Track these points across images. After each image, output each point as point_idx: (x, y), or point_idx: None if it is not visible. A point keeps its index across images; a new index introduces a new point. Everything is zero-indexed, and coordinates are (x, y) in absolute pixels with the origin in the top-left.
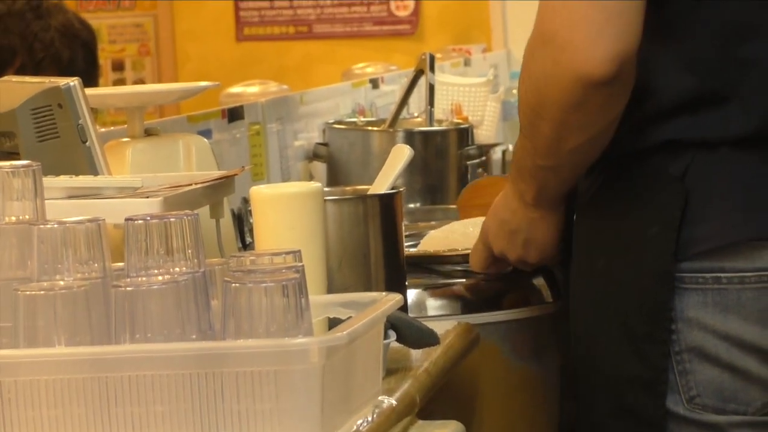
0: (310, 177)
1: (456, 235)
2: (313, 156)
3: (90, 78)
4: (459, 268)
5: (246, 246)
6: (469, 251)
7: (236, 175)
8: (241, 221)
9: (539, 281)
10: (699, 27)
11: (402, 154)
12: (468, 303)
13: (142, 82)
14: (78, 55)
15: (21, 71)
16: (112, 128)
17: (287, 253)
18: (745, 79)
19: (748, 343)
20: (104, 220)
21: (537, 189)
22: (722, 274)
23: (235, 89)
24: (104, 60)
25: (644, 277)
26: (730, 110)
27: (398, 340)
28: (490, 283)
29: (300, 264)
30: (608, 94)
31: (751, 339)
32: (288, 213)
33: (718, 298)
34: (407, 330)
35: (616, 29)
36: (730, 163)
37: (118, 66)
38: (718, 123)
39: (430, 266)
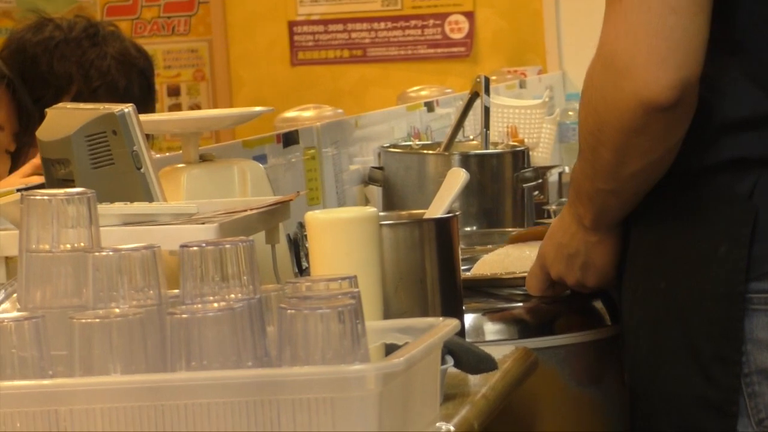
0: (366, 201)
1: (511, 258)
2: (369, 180)
3: (146, 105)
4: (517, 292)
5: (302, 271)
6: (526, 274)
7: (291, 200)
8: (297, 246)
9: (598, 304)
10: (762, 45)
11: (458, 178)
12: (526, 327)
13: (197, 107)
14: (134, 83)
15: (77, 98)
16: (167, 154)
17: (343, 278)
18: None
19: None
20: (159, 246)
21: (596, 212)
22: None
23: (290, 114)
24: (160, 85)
25: (713, 297)
26: None
27: (456, 365)
28: (548, 307)
29: (356, 290)
30: (670, 119)
31: None
32: (343, 238)
33: None
34: (465, 355)
35: (680, 57)
36: None
37: (173, 91)
38: None
39: (487, 290)
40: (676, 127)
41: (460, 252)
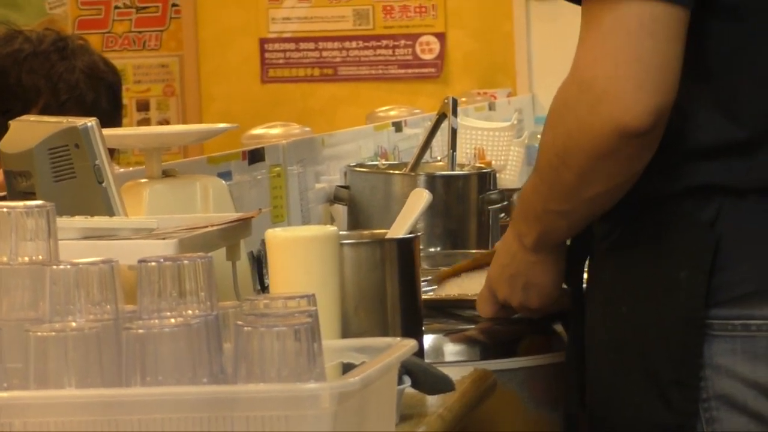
0: (331, 220)
1: (473, 281)
2: (335, 199)
3: (113, 120)
4: (478, 313)
5: (264, 288)
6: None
7: (253, 217)
8: (260, 264)
9: (558, 327)
10: (736, 73)
11: (421, 199)
12: (486, 349)
13: (166, 122)
14: (102, 97)
15: (45, 111)
16: (130, 169)
17: (301, 297)
18: None
19: None
20: (118, 261)
21: (540, 233)
22: (752, 321)
23: (258, 131)
24: (129, 100)
25: (673, 322)
26: (760, 158)
27: (413, 385)
28: (509, 329)
29: (313, 308)
30: (642, 144)
31: None
32: (302, 256)
33: (747, 346)
34: (422, 376)
35: (657, 83)
36: (760, 210)
37: (143, 106)
38: (748, 171)
39: (449, 311)
40: (646, 152)
41: (420, 273)
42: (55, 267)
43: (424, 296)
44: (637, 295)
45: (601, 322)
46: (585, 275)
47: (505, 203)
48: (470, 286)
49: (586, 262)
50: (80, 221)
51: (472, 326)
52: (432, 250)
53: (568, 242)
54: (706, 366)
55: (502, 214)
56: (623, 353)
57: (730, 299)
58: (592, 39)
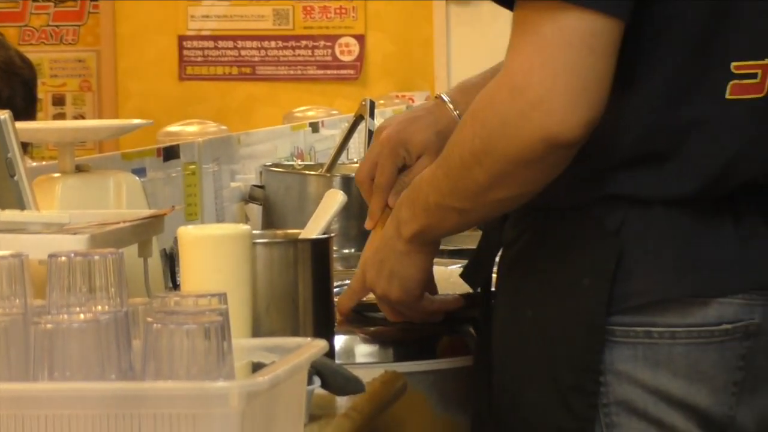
0: (246, 219)
1: None
2: (249, 198)
3: (28, 114)
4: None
5: (176, 286)
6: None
7: (166, 214)
8: (173, 261)
9: (471, 330)
10: (640, 87)
11: (335, 200)
12: (397, 351)
13: (81, 117)
14: (17, 93)
15: None
16: (43, 163)
17: (212, 295)
18: (685, 141)
19: (676, 398)
20: (27, 255)
21: (423, 226)
22: (653, 329)
23: (174, 128)
24: (45, 94)
25: (574, 328)
26: (668, 171)
27: (323, 386)
28: (422, 331)
29: (224, 307)
30: (566, 156)
31: (679, 394)
32: (214, 255)
33: (648, 353)
34: (332, 376)
35: (591, 97)
36: (665, 221)
37: (58, 101)
38: (656, 182)
39: (363, 313)
40: (564, 163)
41: (334, 274)
42: None
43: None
44: (541, 300)
45: (507, 326)
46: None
47: None
48: None
49: (495, 267)
50: None
51: (383, 328)
52: (346, 251)
53: (477, 247)
54: (607, 372)
55: None
56: (527, 357)
57: (633, 307)
58: (528, 46)
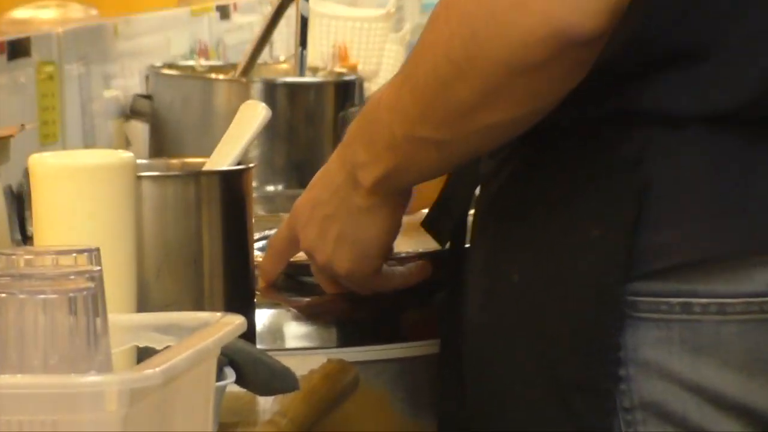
0: (126, 143)
1: None
2: (132, 113)
3: None
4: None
5: (27, 239)
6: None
7: (12, 136)
8: (21, 203)
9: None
10: None
11: (255, 115)
12: (345, 331)
13: None
14: None
15: None
16: None
17: (79, 251)
18: (731, 31)
19: (728, 399)
20: None
21: (389, 169)
22: (694, 300)
23: (22, 13)
24: None
25: (579, 299)
26: (708, 74)
27: (238, 382)
28: (379, 303)
29: (97, 268)
30: (580, 58)
31: (732, 393)
32: (82, 194)
33: (687, 334)
34: (252, 368)
35: None
36: (706, 146)
37: None
38: (691, 91)
39: (297, 277)
40: (581, 70)
41: (253, 221)
42: None
43: (257, 256)
44: (532, 260)
45: (484, 297)
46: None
47: None
48: None
49: (470, 214)
50: None
51: (325, 299)
52: (270, 188)
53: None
54: (628, 362)
55: None
56: (513, 342)
57: (663, 270)
58: None
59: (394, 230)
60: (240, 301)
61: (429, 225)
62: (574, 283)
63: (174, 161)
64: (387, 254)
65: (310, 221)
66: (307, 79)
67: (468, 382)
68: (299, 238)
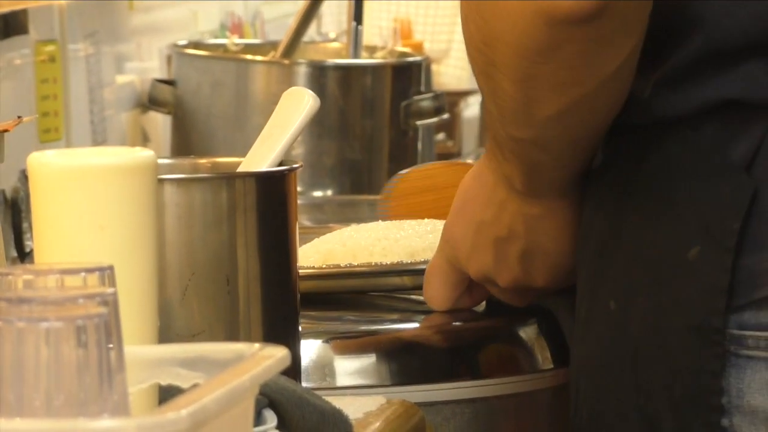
0: (144, 139)
1: (386, 241)
2: (150, 103)
3: None
4: (398, 303)
5: (26, 255)
6: (426, 273)
7: (6, 131)
8: (18, 213)
9: (530, 331)
10: None
11: (300, 105)
12: (408, 366)
13: None
14: None
15: None
16: None
17: (89, 270)
18: None
19: None
20: None
21: (525, 170)
22: None
23: None
24: None
25: (674, 332)
26: None
27: (280, 427)
28: (450, 332)
29: (111, 290)
30: (593, 36)
31: None
32: (92, 201)
33: None
34: (297, 411)
35: None
36: None
37: None
38: None
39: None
40: (607, 47)
41: (298, 232)
42: None
43: (302, 271)
44: (628, 285)
45: (584, 326)
46: None
47: (446, 116)
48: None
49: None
50: None
51: (384, 326)
52: (318, 194)
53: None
54: (732, 410)
55: (441, 135)
56: (610, 378)
57: None
58: None
59: (574, 232)
60: (281, 329)
61: None
62: (669, 313)
63: (202, 161)
64: (574, 257)
65: (477, 247)
66: (363, 60)
67: (572, 420)
68: (465, 268)
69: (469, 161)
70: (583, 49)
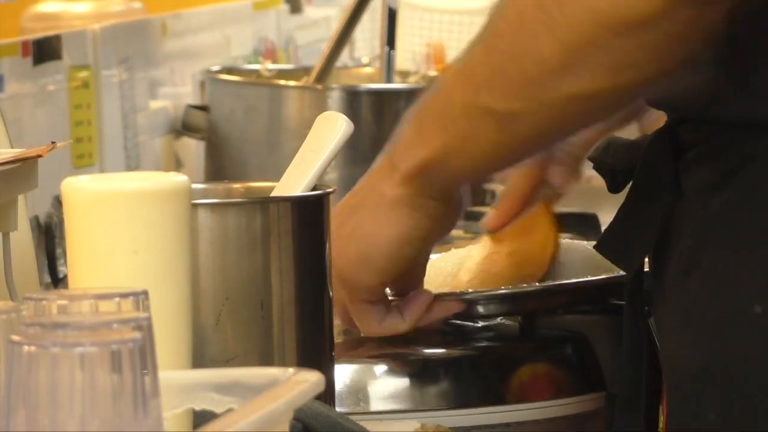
0: (177, 164)
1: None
2: (183, 128)
3: None
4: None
5: (59, 280)
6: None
7: (40, 156)
8: (52, 238)
9: (566, 355)
10: None
11: (333, 129)
12: (445, 389)
13: None
14: None
15: None
16: None
17: (123, 295)
18: None
19: None
20: None
21: (434, 151)
22: None
23: (50, 6)
24: None
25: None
26: None
27: None
28: (485, 356)
29: (145, 315)
30: (697, 21)
31: None
32: (126, 226)
33: None
34: None
35: None
36: None
37: None
38: None
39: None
40: (697, 36)
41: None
42: None
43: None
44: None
45: (712, 331)
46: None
47: None
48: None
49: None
50: None
51: (421, 348)
52: None
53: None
54: None
55: None
56: (757, 389)
57: None
58: None
59: (414, 241)
60: (316, 353)
61: (608, 248)
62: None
63: (236, 186)
64: (395, 270)
65: (337, 212)
66: (396, 85)
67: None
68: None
69: None
70: (685, 32)
